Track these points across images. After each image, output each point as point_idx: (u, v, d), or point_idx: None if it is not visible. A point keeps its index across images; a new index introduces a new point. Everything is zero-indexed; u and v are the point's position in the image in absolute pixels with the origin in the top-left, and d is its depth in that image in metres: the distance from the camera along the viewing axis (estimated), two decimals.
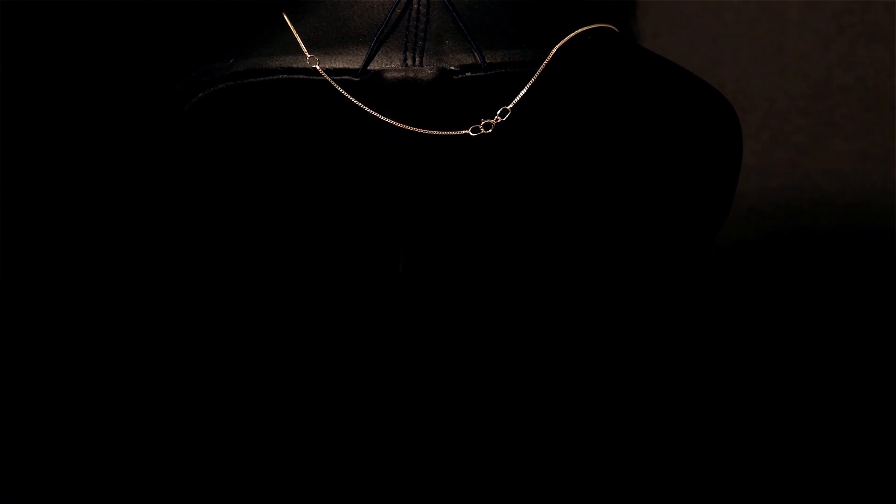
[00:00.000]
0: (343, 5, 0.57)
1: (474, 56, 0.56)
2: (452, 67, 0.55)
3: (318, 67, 0.54)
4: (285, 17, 0.57)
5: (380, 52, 0.56)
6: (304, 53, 0.55)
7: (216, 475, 0.78)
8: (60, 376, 0.78)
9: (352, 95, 0.54)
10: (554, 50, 0.57)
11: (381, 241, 0.58)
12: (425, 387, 0.62)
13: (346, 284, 0.60)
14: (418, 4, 0.57)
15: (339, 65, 0.55)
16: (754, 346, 1.04)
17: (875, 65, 0.97)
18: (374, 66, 0.55)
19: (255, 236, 0.59)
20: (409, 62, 0.56)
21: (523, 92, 0.56)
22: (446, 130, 0.55)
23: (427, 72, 0.55)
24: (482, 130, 0.55)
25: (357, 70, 0.55)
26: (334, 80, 0.54)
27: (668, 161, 0.61)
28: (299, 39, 0.55)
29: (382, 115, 0.54)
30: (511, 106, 0.56)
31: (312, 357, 0.63)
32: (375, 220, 0.57)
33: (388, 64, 0.55)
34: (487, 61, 0.56)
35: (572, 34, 0.58)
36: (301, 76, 0.55)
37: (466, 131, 0.55)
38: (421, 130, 0.54)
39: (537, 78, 0.56)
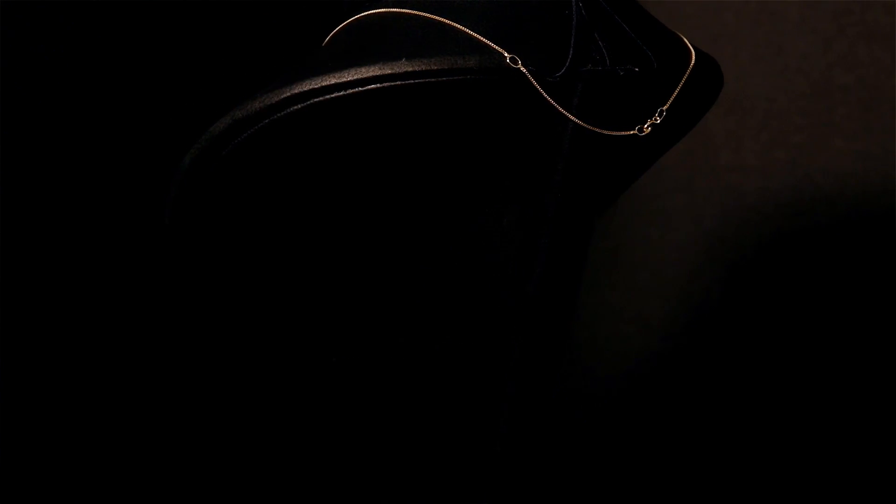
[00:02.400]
0: (504, 6, 0.56)
1: (649, 57, 0.56)
2: (637, 69, 0.56)
3: (521, 68, 0.53)
4: (438, 17, 0.55)
5: (560, 51, 0.55)
6: (498, 52, 0.53)
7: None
8: (61, 376, 0.78)
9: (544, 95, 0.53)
10: (693, 52, 0.59)
11: (522, 239, 0.57)
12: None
13: (469, 279, 0.59)
14: (581, 4, 0.56)
15: (532, 65, 0.53)
16: (755, 345, 1.04)
17: (875, 65, 0.97)
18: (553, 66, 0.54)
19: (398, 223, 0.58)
20: (603, 62, 0.55)
21: (676, 92, 0.57)
22: (617, 130, 0.55)
23: (619, 73, 0.55)
24: (645, 130, 0.56)
25: (555, 70, 0.54)
26: (536, 80, 0.53)
27: (681, 118, 0.64)
28: (486, 41, 0.54)
29: (570, 114, 0.54)
30: (666, 106, 0.57)
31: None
32: (524, 218, 0.57)
33: (578, 64, 0.55)
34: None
35: (682, 36, 0.60)
36: (497, 76, 0.53)
37: (633, 131, 0.56)
38: (599, 130, 0.54)
39: (687, 77, 0.58)
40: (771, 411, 1.03)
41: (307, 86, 0.51)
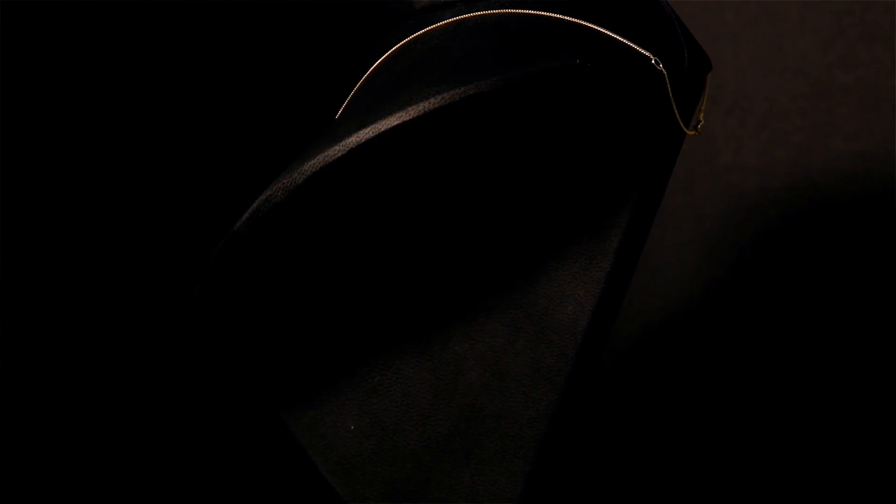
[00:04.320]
0: (611, 6, 0.56)
1: (707, 59, 0.59)
2: (707, 70, 0.58)
3: (663, 70, 0.53)
4: (571, 18, 0.55)
5: (659, 49, 0.55)
6: (644, 55, 0.53)
7: None
8: (61, 376, 0.78)
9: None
10: (706, 54, 0.60)
11: (591, 237, 0.57)
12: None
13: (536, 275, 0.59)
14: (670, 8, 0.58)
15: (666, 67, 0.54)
16: (755, 344, 1.04)
17: (875, 65, 0.97)
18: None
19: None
20: (700, 63, 0.57)
21: (706, 92, 0.59)
22: (690, 129, 0.57)
23: (704, 75, 0.57)
24: (699, 130, 0.58)
25: (678, 71, 0.54)
26: (669, 81, 0.54)
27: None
28: (628, 42, 0.54)
29: (678, 111, 0.55)
30: (703, 105, 0.59)
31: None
32: (594, 215, 0.57)
33: (678, 62, 0.56)
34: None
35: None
36: (641, 76, 0.53)
37: (694, 131, 0.58)
38: (686, 129, 0.56)
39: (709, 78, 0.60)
40: (771, 411, 1.03)
41: (487, 86, 0.49)
